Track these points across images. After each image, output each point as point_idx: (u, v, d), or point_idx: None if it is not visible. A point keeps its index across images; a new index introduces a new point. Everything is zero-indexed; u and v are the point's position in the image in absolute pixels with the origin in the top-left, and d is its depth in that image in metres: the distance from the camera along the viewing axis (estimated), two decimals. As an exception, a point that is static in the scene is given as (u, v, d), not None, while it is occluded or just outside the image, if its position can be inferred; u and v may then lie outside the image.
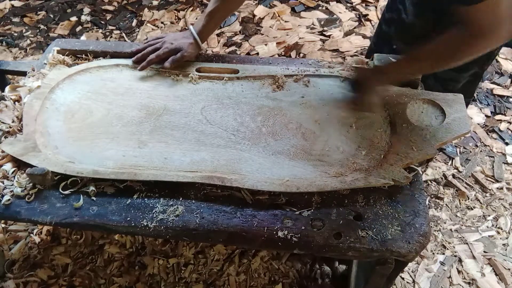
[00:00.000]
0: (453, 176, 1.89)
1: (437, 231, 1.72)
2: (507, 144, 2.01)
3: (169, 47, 1.29)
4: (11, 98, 1.24)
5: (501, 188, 1.84)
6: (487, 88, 2.26)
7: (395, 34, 1.39)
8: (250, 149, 1.10)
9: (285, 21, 2.73)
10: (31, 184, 1.05)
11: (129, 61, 1.33)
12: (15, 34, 2.76)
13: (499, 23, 0.93)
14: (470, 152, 1.99)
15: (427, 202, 1.74)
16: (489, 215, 1.76)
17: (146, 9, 2.90)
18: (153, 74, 1.31)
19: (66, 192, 1.04)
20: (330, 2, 2.85)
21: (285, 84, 1.25)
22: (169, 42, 1.30)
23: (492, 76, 2.32)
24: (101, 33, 2.74)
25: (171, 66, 1.28)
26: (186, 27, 2.70)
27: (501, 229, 1.72)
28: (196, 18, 2.78)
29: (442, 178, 1.89)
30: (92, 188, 1.04)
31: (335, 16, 2.75)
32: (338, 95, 1.21)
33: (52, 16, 2.91)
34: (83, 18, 2.87)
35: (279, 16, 2.77)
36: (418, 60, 1.10)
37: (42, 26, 2.82)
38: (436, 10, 1.23)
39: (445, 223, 1.74)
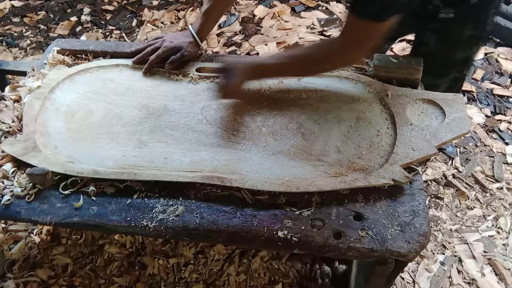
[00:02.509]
0: (453, 176, 1.89)
1: (437, 231, 1.72)
2: (507, 144, 2.01)
3: (169, 45, 1.29)
4: (11, 98, 1.24)
5: (501, 188, 1.84)
6: (487, 88, 2.26)
7: None
8: (250, 149, 1.10)
9: (285, 21, 2.73)
10: (31, 184, 1.05)
11: (129, 61, 1.33)
12: (15, 34, 2.76)
13: (365, 48, 1.03)
14: (470, 152, 1.99)
15: (427, 202, 1.75)
16: (489, 215, 1.76)
17: (146, 9, 2.90)
18: (153, 74, 1.31)
19: (66, 192, 1.04)
20: (330, 2, 2.85)
21: (285, 84, 1.25)
22: (168, 41, 1.31)
23: (492, 76, 2.32)
24: (101, 33, 2.75)
25: (172, 66, 1.29)
26: (186, 27, 2.70)
27: (501, 229, 1.72)
28: (196, 18, 2.78)
29: (442, 178, 1.89)
30: (92, 188, 1.04)
31: (335, 16, 2.75)
32: (339, 95, 1.21)
33: (52, 16, 2.91)
34: (83, 18, 2.87)
35: (279, 16, 2.77)
36: (288, 63, 1.14)
37: (42, 26, 2.82)
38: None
39: (445, 223, 1.74)
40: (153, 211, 1.00)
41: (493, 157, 1.96)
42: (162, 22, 2.81)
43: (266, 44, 2.56)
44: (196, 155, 1.09)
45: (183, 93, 1.25)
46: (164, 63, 1.29)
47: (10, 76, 1.68)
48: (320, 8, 2.82)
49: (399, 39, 1.46)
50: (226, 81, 1.14)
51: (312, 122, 1.15)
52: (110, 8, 2.95)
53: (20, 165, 1.09)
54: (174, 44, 1.29)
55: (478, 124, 2.10)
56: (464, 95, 2.21)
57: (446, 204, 1.81)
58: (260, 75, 1.19)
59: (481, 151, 1.99)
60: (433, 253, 1.65)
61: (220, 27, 2.72)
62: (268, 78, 1.23)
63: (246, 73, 1.15)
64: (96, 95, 1.25)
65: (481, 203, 1.80)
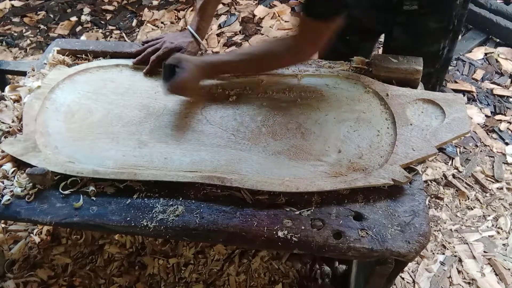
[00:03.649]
0: (453, 176, 1.89)
1: (437, 231, 1.72)
2: (507, 144, 2.01)
3: (169, 46, 1.29)
4: (11, 98, 1.24)
5: (501, 188, 1.84)
6: (487, 88, 2.26)
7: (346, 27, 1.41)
8: (250, 149, 1.10)
9: (285, 21, 2.73)
10: (31, 184, 1.05)
11: (129, 61, 1.33)
12: (15, 34, 2.76)
13: (317, 45, 1.07)
14: (470, 152, 1.99)
15: (427, 202, 1.75)
16: (489, 215, 1.76)
17: (146, 9, 2.90)
18: (153, 74, 1.31)
19: (66, 192, 1.04)
20: (330, 2, 2.85)
21: (285, 84, 1.25)
22: (168, 42, 1.31)
23: (492, 76, 2.32)
24: (101, 33, 2.75)
25: None
26: (186, 27, 2.70)
27: (501, 229, 1.72)
28: (196, 18, 2.78)
29: (442, 178, 1.89)
30: (92, 188, 1.04)
31: (335, 16, 2.74)
32: (339, 95, 1.21)
33: (52, 16, 2.91)
34: (83, 18, 2.87)
35: (279, 16, 2.77)
36: (244, 60, 1.16)
37: (42, 26, 2.82)
38: None
39: (445, 223, 1.74)
40: (153, 211, 1.00)
41: (493, 157, 1.96)
42: (162, 22, 2.81)
43: (266, 44, 2.55)
44: (196, 155, 1.09)
45: (183, 93, 1.25)
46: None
47: (10, 76, 1.68)
48: (320, 8, 2.82)
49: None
50: (179, 77, 1.12)
51: (312, 122, 1.15)
52: (110, 8, 2.95)
53: (20, 165, 1.09)
54: (175, 44, 1.30)
55: (478, 124, 2.10)
56: (464, 95, 2.21)
57: (446, 204, 1.81)
58: (216, 72, 1.21)
59: (481, 151, 1.99)
60: (433, 253, 1.65)
61: (220, 27, 2.72)
62: (225, 75, 1.24)
63: (202, 70, 1.16)
64: (96, 95, 1.25)
65: (481, 203, 1.80)
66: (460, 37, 2.54)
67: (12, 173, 1.08)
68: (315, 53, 1.12)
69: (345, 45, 1.39)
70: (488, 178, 1.88)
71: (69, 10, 2.95)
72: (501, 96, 2.22)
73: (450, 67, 2.36)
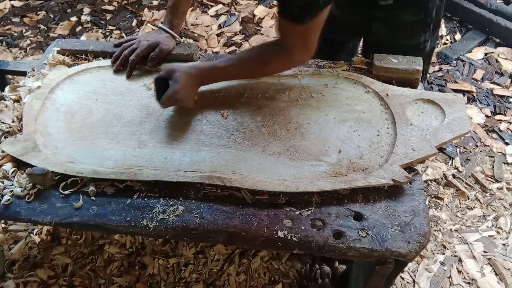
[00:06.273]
0: (453, 176, 1.89)
1: (437, 231, 1.72)
2: (507, 144, 2.01)
3: (146, 44, 1.30)
4: (11, 98, 1.24)
5: (501, 188, 1.84)
6: (487, 88, 2.26)
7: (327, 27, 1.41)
8: (250, 149, 1.10)
9: (285, 21, 2.73)
10: (31, 184, 1.05)
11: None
12: (15, 34, 2.76)
13: (306, 47, 1.04)
14: (470, 152, 1.99)
15: (427, 202, 1.75)
16: (489, 215, 1.76)
17: (146, 9, 2.90)
18: (152, 74, 1.31)
19: (66, 192, 1.04)
20: (330, 2, 2.85)
21: (285, 84, 1.25)
22: (144, 40, 1.31)
23: (492, 76, 2.32)
24: (101, 33, 2.74)
25: (153, 63, 1.29)
26: (186, 27, 2.70)
27: (501, 229, 1.72)
28: (196, 18, 2.78)
29: (442, 178, 1.88)
30: (92, 188, 1.04)
31: (335, 16, 2.74)
32: (339, 95, 1.21)
33: (52, 16, 2.91)
34: (83, 18, 2.87)
35: (279, 16, 2.77)
36: (235, 66, 1.14)
37: (42, 26, 2.82)
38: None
39: (445, 223, 1.74)
40: (153, 211, 1.00)
41: (493, 157, 1.96)
42: (162, 22, 2.80)
43: (266, 44, 2.56)
44: (196, 155, 1.09)
45: (183, 93, 1.25)
46: (144, 62, 1.30)
47: (10, 76, 1.68)
48: (320, 8, 2.82)
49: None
50: (172, 90, 1.10)
51: (312, 122, 1.15)
52: (110, 8, 2.95)
53: (20, 165, 1.09)
54: (151, 41, 1.30)
55: (478, 124, 2.10)
56: (464, 95, 2.21)
57: (446, 204, 1.81)
58: (209, 79, 1.18)
59: (481, 151, 1.99)
60: (433, 253, 1.65)
61: (220, 27, 2.72)
62: (218, 81, 1.21)
63: (195, 78, 1.14)
64: (96, 95, 1.25)
65: (481, 203, 1.80)
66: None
67: (12, 173, 1.08)
68: (309, 55, 1.07)
69: (328, 46, 1.37)
70: (488, 178, 1.88)
71: (69, 10, 2.95)
72: (501, 96, 2.22)
73: (450, 67, 2.36)
